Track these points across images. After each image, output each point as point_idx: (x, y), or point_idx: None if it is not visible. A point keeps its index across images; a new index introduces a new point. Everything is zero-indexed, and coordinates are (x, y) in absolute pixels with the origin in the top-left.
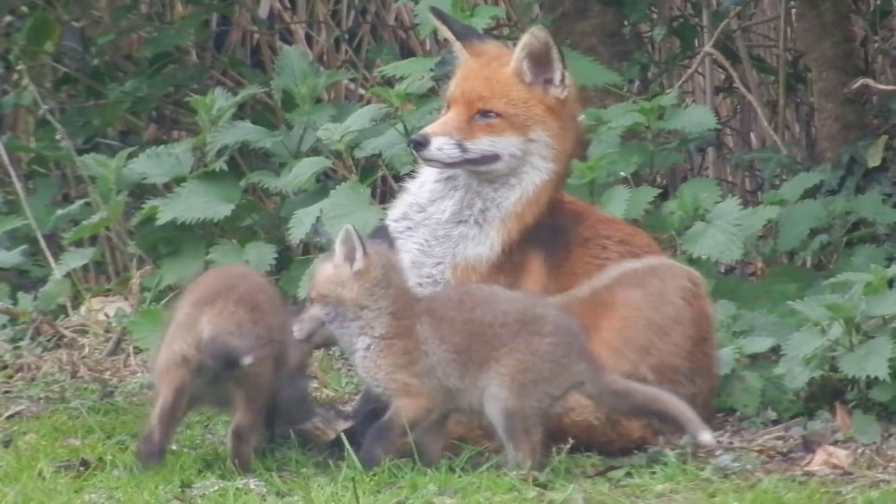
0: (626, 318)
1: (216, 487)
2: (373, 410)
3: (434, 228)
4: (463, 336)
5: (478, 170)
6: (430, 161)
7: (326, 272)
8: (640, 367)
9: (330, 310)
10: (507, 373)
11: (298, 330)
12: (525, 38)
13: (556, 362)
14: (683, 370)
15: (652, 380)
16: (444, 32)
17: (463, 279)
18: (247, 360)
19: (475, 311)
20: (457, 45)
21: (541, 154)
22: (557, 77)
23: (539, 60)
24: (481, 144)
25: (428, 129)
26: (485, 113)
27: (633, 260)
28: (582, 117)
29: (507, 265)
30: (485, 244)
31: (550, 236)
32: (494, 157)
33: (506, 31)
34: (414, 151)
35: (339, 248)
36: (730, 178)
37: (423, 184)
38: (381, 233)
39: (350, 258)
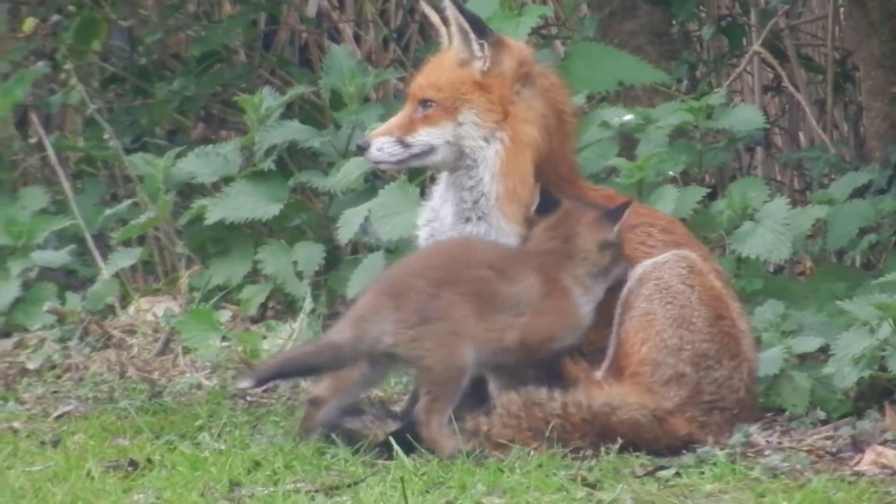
0: (648, 327)
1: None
2: None
3: (450, 235)
4: None
5: (425, 164)
6: (377, 163)
7: None
8: (679, 366)
9: None
10: None
11: None
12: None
13: None
14: (711, 354)
15: (690, 372)
16: (459, 21)
17: None
18: None
19: None
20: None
21: (472, 135)
22: (476, 49)
23: (464, 36)
24: (420, 137)
25: (372, 132)
26: (424, 103)
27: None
28: (550, 79)
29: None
30: (505, 240)
31: None
32: (431, 150)
33: (554, 30)
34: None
35: None
36: (778, 178)
37: (438, 189)
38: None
39: None
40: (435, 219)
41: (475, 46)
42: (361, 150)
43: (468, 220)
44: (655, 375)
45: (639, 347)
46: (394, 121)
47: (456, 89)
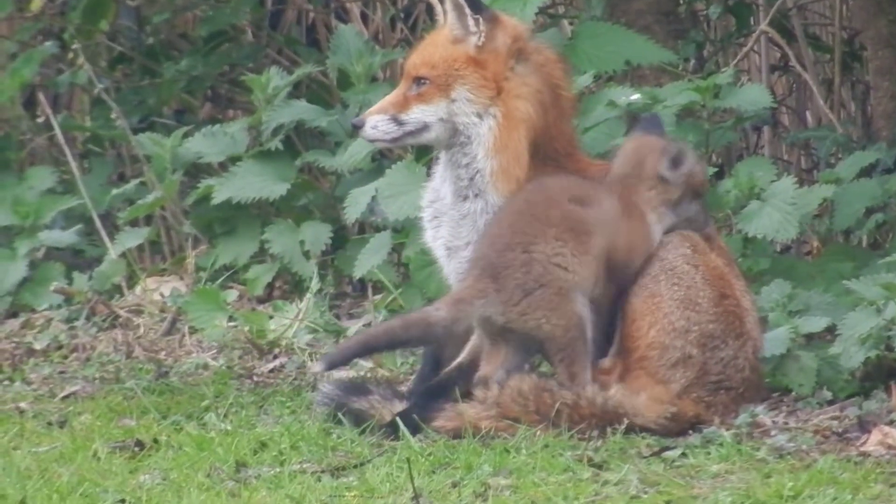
0: (655, 310)
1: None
2: (428, 389)
3: (451, 215)
4: None
5: (419, 141)
6: (372, 141)
7: None
8: (687, 348)
9: None
10: None
11: None
12: None
13: None
14: (717, 334)
15: (696, 353)
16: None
17: None
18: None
19: None
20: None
21: (465, 112)
22: (471, 24)
23: (459, 11)
24: (413, 114)
25: (367, 111)
26: (418, 81)
27: None
28: (545, 55)
29: None
30: None
31: None
32: (425, 127)
33: (561, 9)
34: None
35: None
36: (785, 157)
37: (438, 170)
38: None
39: None
40: (437, 199)
41: (470, 21)
42: (356, 128)
43: (465, 197)
44: (663, 359)
45: (646, 331)
46: (388, 99)
47: (449, 66)
